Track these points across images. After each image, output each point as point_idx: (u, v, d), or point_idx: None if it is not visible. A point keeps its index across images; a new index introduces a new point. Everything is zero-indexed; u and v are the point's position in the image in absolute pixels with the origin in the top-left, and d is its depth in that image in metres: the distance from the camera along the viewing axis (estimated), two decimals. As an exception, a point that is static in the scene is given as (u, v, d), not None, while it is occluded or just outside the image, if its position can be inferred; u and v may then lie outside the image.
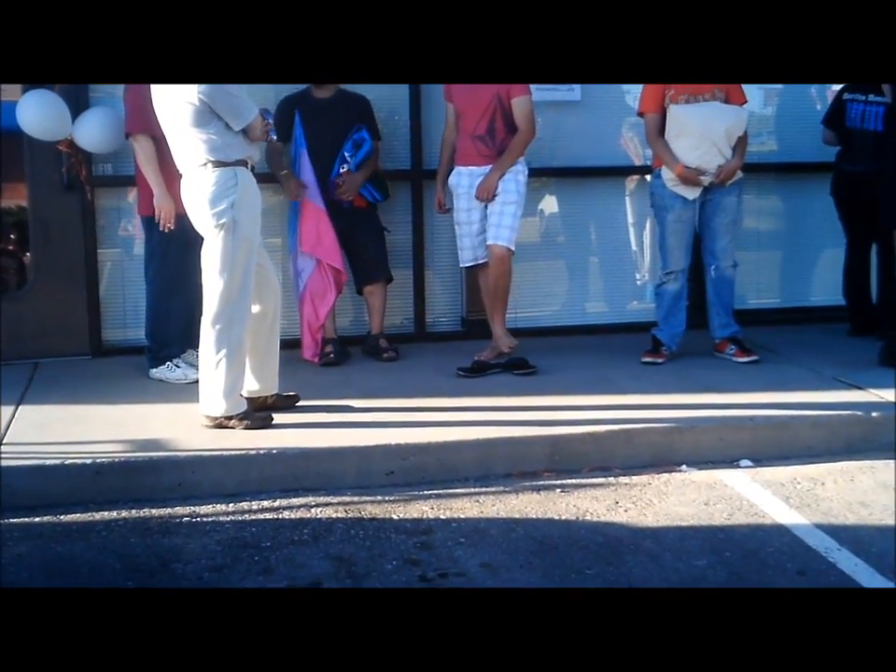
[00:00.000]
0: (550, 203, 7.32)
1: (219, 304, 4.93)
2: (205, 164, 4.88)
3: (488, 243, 6.06)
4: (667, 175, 6.12)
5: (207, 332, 4.97)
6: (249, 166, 5.02)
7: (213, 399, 5.00)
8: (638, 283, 7.38)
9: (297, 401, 5.40)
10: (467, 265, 6.34)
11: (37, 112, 5.81)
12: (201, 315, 5.95)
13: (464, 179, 6.10)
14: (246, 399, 5.15)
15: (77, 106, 6.05)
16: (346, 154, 6.18)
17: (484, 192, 5.97)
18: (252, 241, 4.99)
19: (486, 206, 6.04)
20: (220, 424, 5.01)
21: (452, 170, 6.20)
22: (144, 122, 5.61)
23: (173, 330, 5.97)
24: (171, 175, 5.59)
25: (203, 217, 4.95)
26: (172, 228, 5.67)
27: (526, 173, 6.10)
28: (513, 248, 6.04)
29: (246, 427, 4.99)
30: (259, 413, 5.12)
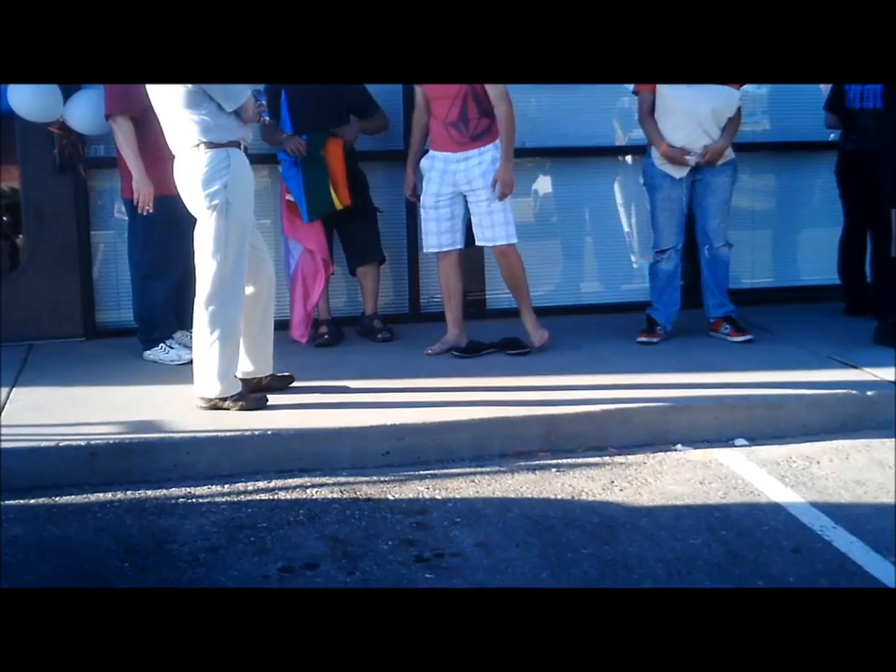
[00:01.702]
0: (544, 184, 7.31)
1: (213, 285, 4.92)
2: (198, 145, 4.87)
3: (486, 244, 5.98)
4: (656, 154, 6.15)
5: (201, 314, 4.96)
6: (242, 147, 5.01)
7: (207, 380, 5.00)
8: (633, 263, 7.37)
9: (291, 382, 5.39)
10: (430, 251, 6.13)
11: (29, 93, 5.78)
12: (191, 296, 5.97)
13: (438, 164, 5.93)
14: (241, 380, 5.15)
15: (69, 88, 6.01)
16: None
17: (507, 188, 5.78)
18: (245, 222, 4.98)
19: (465, 196, 5.90)
20: (215, 405, 5.00)
21: (424, 153, 6.09)
22: (123, 104, 5.60)
23: (159, 312, 5.97)
24: (152, 158, 5.59)
25: (195, 199, 4.93)
26: (150, 211, 5.66)
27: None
28: (514, 241, 5.94)
29: (241, 409, 4.98)
30: (253, 394, 5.12)
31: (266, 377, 5.31)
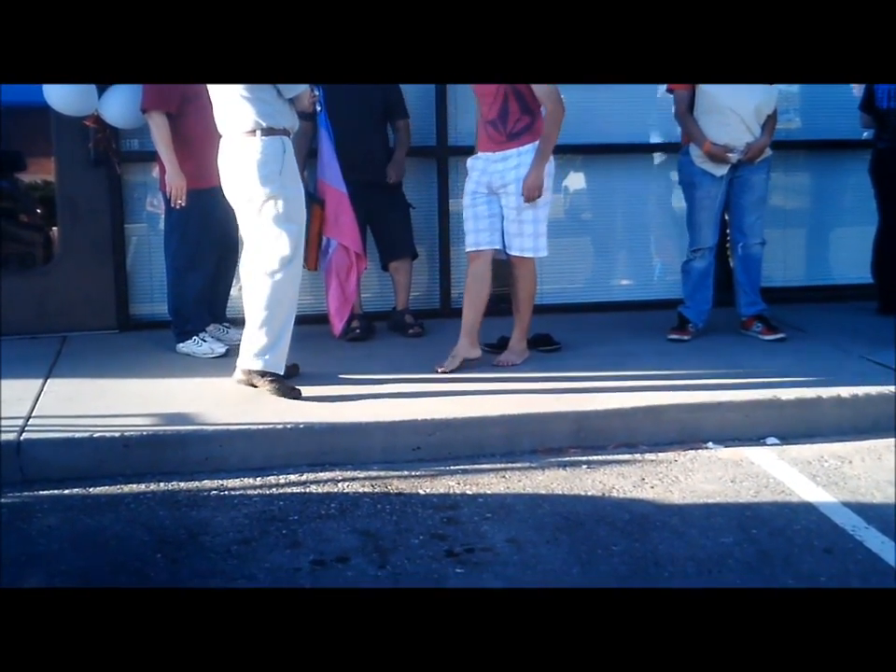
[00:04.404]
0: (576, 180, 7.31)
1: (277, 265, 5.03)
2: (254, 132, 4.96)
3: (511, 253, 5.68)
4: (695, 151, 6.11)
5: (261, 291, 5.06)
6: (291, 136, 5.14)
7: (252, 353, 5.10)
8: (665, 260, 7.35)
9: (297, 371, 5.46)
10: (469, 251, 5.81)
11: (64, 88, 5.81)
12: (224, 289, 5.99)
13: (478, 164, 5.70)
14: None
15: (104, 82, 6.07)
16: None
17: (531, 192, 5.46)
18: (301, 202, 5.15)
19: (500, 198, 5.64)
20: (249, 380, 5.12)
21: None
22: (159, 99, 5.64)
23: (193, 305, 6.00)
24: (188, 152, 5.65)
25: (249, 183, 5.01)
26: (182, 204, 5.69)
27: (552, 164, 5.60)
28: (542, 254, 5.71)
29: (273, 391, 5.06)
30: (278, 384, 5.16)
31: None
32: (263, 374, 5.09)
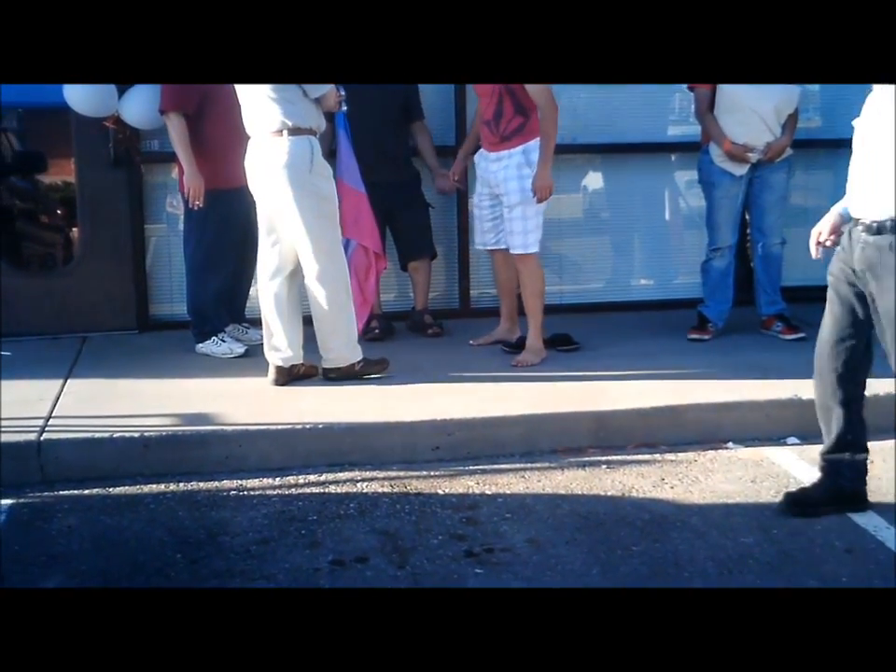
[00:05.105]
0: (594, 180, 7.29)
1: (321, 261, 5.15)
2: (281, 132, 5.03)
3: (510, 252, 5.83)
4: (715, 151, 6.08)
5: (317, 290, 5.17)
6: (318, 136, 5.19)
7: (336, 350, 5.31)
8: (684, 259, 7.32)
9: (316, 371, 5.46)
10: (478, 248, 6.24)
11: (84, 88, 5.83)
12: (244, 289, 6.00)
13: (481, 162, 5.88)
14: (281, 367, 5.32)
15: (124, 83, 6.08)
16: None
17: (542, 192, 5.54)
18: (333, 197, 5.23)
19: (500, 199, 5.75)
20: (346, 373, 5.31)
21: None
22: (177, 100, 5.65)
23: (212, 305, 6.00)
24: (207, 153, 5.67)
25: (280, 184, 5.06)
26: (200, 205, 5.70)
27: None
28: (532, 251, 5.72)
29: (372, 371, 5.39)
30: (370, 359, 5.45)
31: (302, 365, 5.41)
32: (353, 365, 5.33)
